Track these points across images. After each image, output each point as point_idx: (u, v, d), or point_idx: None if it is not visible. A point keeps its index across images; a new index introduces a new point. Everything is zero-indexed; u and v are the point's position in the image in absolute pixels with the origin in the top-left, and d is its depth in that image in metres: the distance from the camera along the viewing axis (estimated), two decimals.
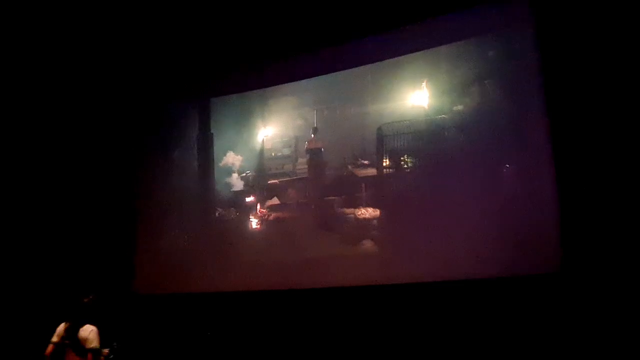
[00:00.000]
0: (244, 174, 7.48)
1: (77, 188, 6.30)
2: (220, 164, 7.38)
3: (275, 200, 7.09)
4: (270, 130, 7.59)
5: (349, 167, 6.80)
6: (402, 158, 5.95)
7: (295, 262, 6.00)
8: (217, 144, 7.39)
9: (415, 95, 5.96)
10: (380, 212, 5.97)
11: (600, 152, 3.87)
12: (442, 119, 5.52)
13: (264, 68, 6.48)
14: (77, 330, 4.02)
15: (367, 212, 5.97)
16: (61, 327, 4.13)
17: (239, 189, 7.32)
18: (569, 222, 3.96)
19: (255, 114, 7.56)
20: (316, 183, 6.93)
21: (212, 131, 7.38)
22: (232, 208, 7.17)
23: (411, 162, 5.88)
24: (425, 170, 5.76)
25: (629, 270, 3.69)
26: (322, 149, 7.08)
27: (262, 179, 7.48)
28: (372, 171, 6.43)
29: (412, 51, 5.67)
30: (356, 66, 6.24)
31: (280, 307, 5.46)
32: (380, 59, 6.04)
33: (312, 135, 7.22)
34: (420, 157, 5.75)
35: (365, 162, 6.67)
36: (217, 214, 7.13)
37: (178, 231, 6.85)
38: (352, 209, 6.26)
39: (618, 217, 3.79)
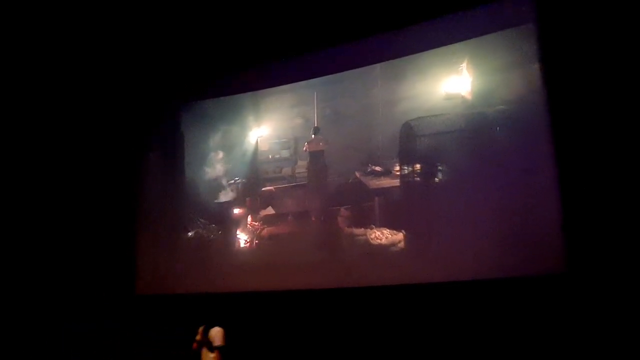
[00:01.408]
0: (233, 181, 6.40)
1: (77, 189, 6.14)
2: (205, 170, 6.28)
3: (269, 210, 6.08)
4: (265, 131, 6.68)
5: (357, 174, 5.74)
6: (437, 165, 4.91)
7: (296, 263, 5.49)
8: (202, 147, 6.52)
9: (450, 84, 4.97)
10: (404, 237, 4.90)
11: (605, 150, 3.76)
12: (496, 112, 4.47)
13: (270, 68, 6.02)
14: (209, 331, 4.76)
15: (383, 237, 4.91)
16: (201, 328, 4.83)
17: (225, 199, 6.22)
18: (573, 222, 3.83)
19: (247, 113, 6.61)
20: (317, 191, 5.91)
21: (202, 131, 6.62)
22: (213, 225, 6.08)
23: (446, 169, 4.82)
24: (460, 178, 4.79)
25: (635, 270, 3.58)
26: (324, 152, 5.99)
27: (255, 185, 6.43)
28: (388, 182, 5.43)
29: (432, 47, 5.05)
30: (363, 65, 5.70)
31: (282, 308, 5.22)
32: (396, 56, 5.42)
33: (313, 136, 6.32)
34: (457, 162, 4.74)
35: (377, 168, 5.61)
36: (191, 233, 6.04)
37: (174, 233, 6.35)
38: (363, 229, 5.32)
39: (623, 216, 3.66)
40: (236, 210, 6.37)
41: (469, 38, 4.74)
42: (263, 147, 6.67)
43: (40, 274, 5.73)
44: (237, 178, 6.54)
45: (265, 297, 5.32)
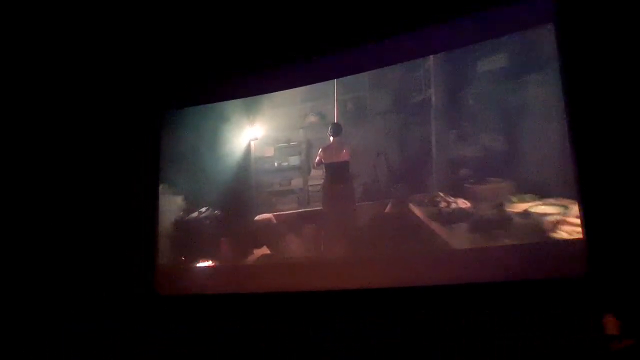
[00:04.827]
0: (197, 214, 4.38)
1: (95, 187, 5.31)
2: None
3: (264, 250, 4.01)
4: (267, 132, 4.82)
5: (414, 209, 3.46)
6: None
7: (316, 263, 4.15)
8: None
9: None
10: None
11: (626, 152, 3.23)
12: None
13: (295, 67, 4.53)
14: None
15: None
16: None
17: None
18: (594, 224, 3.25)
19: (237, 110, 4.63)
20: (339, 225, 3.79)
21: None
22: None
23: None
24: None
25: None
26: (349, 164, 3.97)
27: (240, 213, 4.38)
28: None
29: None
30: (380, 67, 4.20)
31: (300, 309, 4.26)
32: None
33: (331, 138, 4.40)
34: None
35: (462, 203, 3.24)
36: None
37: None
38: None
39: None
40: (200, 265, 4.35)
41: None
42: (267, 152, 4.95)
43: (60, 274, 5.03)
44: (204, 208, 4.47)
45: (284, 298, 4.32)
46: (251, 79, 4.65)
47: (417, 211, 3.43)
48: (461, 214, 3.21)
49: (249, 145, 4.74)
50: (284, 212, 4.37)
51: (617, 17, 3.31)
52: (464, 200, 3.23)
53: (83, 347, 4.58)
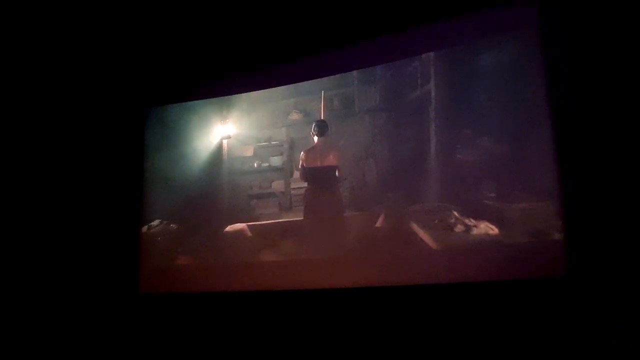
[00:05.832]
0: (147, 229, 3.97)
1: (78, 185, 5.04)
2: None
3: None
4: (242, 130, 4.40)
5: (417, 229, 2.81)
6: None
7: (301, 261, 3.80)
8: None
9: None
10: None
11: (608, 151, 3.18)
12: None
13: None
14: None
15: None
16: None
17: None
18: (575, 223, 3.14)
19: (207, 106, 4.20)
20: (322, 240, 3.31)
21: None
22: None
23: None
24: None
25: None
26: (338, 169, 3.49)
27: (206, 223, 3.91)
28: None
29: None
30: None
31: (286, 308, 4.05)
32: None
33: (315, 138, 3.94)
34: None
35: (486, 227, 2.46)
36: None
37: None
38: None
39: (627, 217, 3.07)
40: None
41: None
42: (246, 152, 4.60)
43: (44, 274, 4.83)
44: (156, 221, 4.02)
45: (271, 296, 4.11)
46: (236, 77, 4.28)
47: (423, 235, 2.75)
48: (490, 246, 2.39)
49: (220, 145, 4.29)
50: (259, 223, 3.89)
51: (601, 21, 3.19)
52: (489, 225, 2.46)
53: (67, 347, 4.32)
